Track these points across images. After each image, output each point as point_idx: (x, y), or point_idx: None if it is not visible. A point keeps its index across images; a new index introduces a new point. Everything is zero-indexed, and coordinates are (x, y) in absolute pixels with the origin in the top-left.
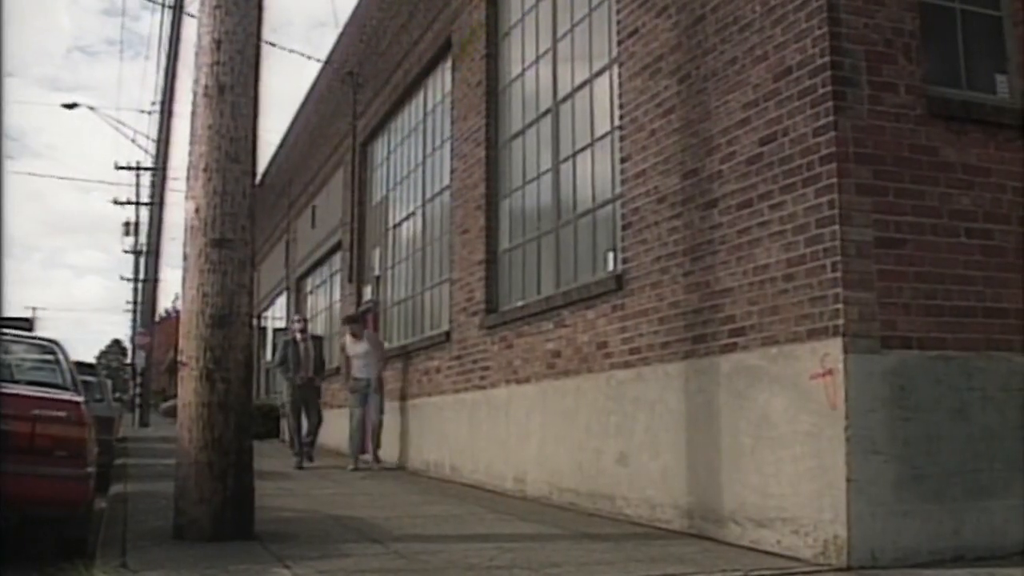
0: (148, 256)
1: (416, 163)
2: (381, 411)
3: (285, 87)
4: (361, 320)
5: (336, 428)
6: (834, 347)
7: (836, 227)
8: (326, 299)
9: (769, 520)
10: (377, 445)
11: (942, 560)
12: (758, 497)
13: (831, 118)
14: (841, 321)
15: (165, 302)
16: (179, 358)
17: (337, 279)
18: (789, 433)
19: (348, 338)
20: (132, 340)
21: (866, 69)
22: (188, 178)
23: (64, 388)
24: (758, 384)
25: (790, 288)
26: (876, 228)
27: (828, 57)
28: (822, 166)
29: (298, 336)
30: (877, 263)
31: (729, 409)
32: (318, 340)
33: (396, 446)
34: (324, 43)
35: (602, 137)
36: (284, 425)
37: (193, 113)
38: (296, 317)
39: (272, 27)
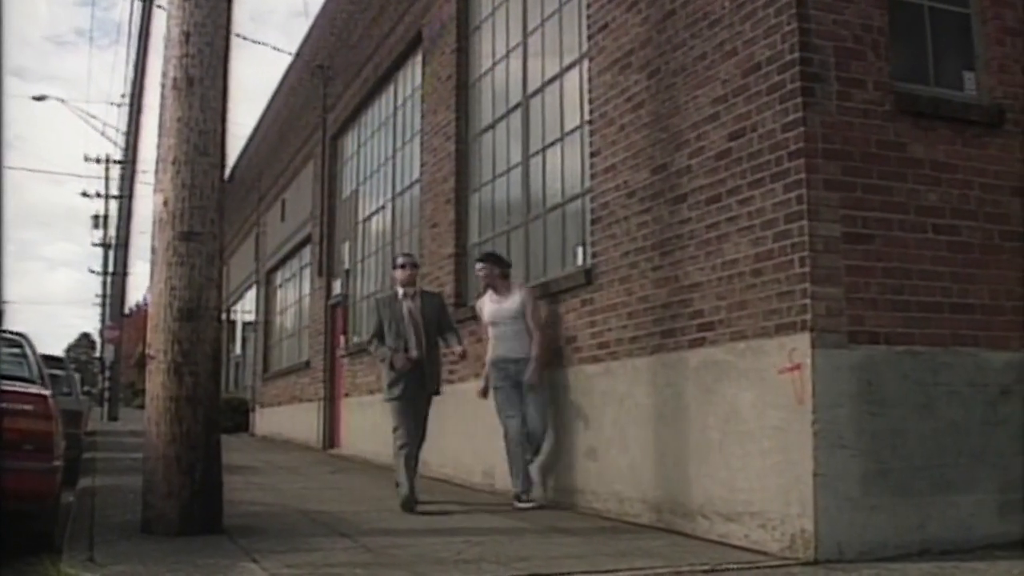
0: (117, 249)
1: (386, 157)
2: (542, 416)
3: (259, 78)
4: (504, 264)
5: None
6: (802, 342)
7: (804, 222)
8: (296, 293)
9: (737, 514)
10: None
11: (908, 554)
12: (726, 491)
13: (800, 114)
14: (809, 316)
15: (136, 295)
16: (147, 352)
17: (307, 273)
18: (757, 428)
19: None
20: (101, 334)
21: (835, 65)
22: (156, 171)
23: (31, 381)
24: (726, 379)
25: (758, 283)
26: (844, 223)
27: (797, 53)
28: (790, 161)
29: (400, 292)
30: (845, 258)
31: (697, 404)
32: (435, 298)
33: (371, 441)
34: (302, 34)
35: (572, 132)
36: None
37: (162, 106)
38: (401, 260)
39: (251, 16)
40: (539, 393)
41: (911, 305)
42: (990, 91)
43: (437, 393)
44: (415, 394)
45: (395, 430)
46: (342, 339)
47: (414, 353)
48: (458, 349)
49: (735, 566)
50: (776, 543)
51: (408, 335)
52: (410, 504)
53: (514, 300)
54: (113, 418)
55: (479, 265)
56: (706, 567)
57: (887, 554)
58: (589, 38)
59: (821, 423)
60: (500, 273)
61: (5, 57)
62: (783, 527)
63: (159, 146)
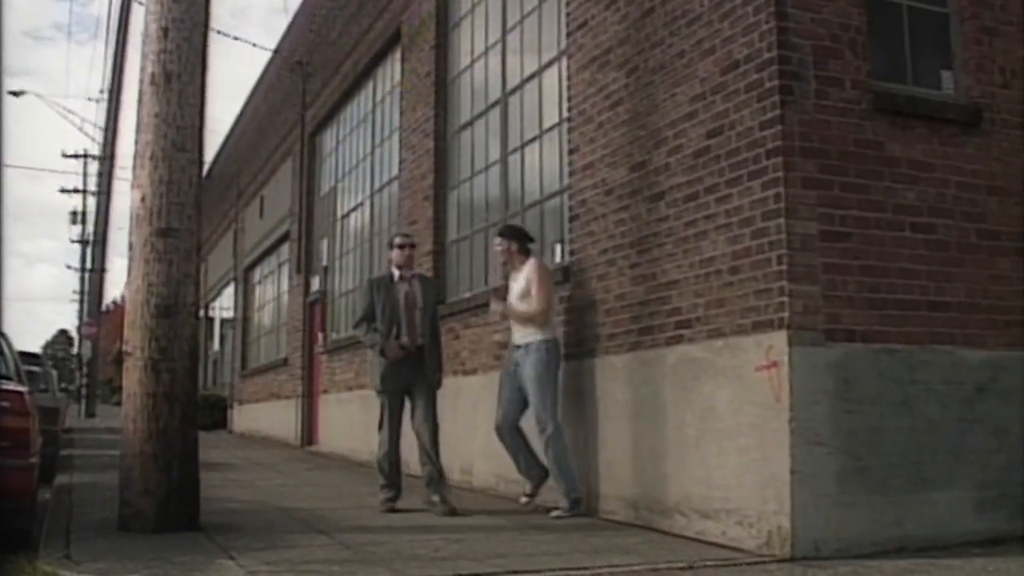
0: (95, 245)
1: (365, 153)
2: (548, 415)
3: (239, 74)
4: (523, 237)
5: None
6: (779, 340)
7: (781, 220)
8: (274, 290)
9: (714, 511)
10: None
11: (885, 551)
12: (703, 488)
13: (778, 112)
14: (786, 314)
15: (114, 292)
16: (124, 348)
17: (285, 269)
18: (734, 425)
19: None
20: (79, 330)
21: (813, 64)
22: (134, 167)
23: (7, 378)
24: (703, 376)
25: (736, 281)
26: (821, 221)
27: (775, 51)
28: (768, 159)
29: (396, 274)
30: (822, 256)
31: (675, 401)
32: (434, 286)
33: (349, 438)
34: (282, 30)
35: (550, 129)
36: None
37: (140, 101)
38: (399, 239)
39: (231, 12)
40: (541, 386)
41: (888, 303)
42: (967, 90)
43: (436, 382)
44: (409, 386)
45: (380, 429)
46: (320, 336)
47: (405, 339)
48: (437, 359)
49: (712, 563)
50: (753, 540)
51: (402, 321)
52: (390, 504)
53: (520, 280)
54: (91, 415)
55: (496, 240)
56: (683, 564)
57: (864, 551)
58: (568, 35)
59: (798, 420)
60: (519, 248)
61: (5, 60)
62: (760, 524)
63: (137, 142)
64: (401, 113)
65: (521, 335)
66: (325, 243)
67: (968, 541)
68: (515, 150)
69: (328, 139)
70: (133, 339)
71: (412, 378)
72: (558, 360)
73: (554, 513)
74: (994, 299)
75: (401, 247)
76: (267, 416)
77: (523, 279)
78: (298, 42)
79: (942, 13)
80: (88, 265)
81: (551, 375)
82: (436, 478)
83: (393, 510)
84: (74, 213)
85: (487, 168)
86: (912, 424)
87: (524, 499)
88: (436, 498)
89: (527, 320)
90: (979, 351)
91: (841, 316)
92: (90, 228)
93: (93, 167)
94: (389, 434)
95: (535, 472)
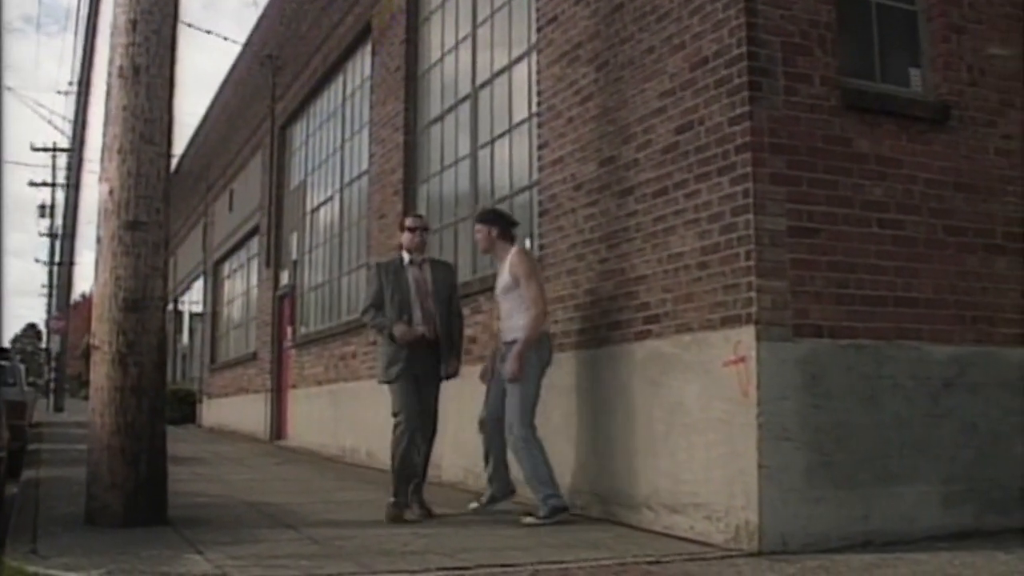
0: (64, 239)
1: (335, 147)
2: (518, 417)
3: (209, 67)
4: (505, 222)
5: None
6: (747, 335)
7: (750, 216)
8: (243, 284)
9: (682, 506)
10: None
11: (852, 546)
12: (671, 483)
13: (746, 108)
14: (754, 309)
15: (83, 285)
16: (92, 342)
17: (255, 263)
18: (702, 420)
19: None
20: (48, 324)
21: (782, 60)
22: (102, 160)
23: None
24: (672, 371)
25: (704, 276)
26: (789, 217)
27: (744, 47)
28: (737, 155)
29: (406, 259)
30: (790, 252)
31: (643, 396)
32: (447, 269)
33: (318, 432)
34: (253, 23)
35: (520, 124)
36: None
37: (108, 94)
38: (410, 222)
39: (203, 4)
40: (520, 385)
41: (856, 299)
42: (935, 88)
43: (449, 377)
44: (419, 376)
45: (395, 415)
46: (289, 330)
47: (421, 328)
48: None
49: (680, 557)
50: (721, 535)
51: (413, 308)
52: (396, 513)
53: (504, 272)
54: (59, 409)
55: (476, 226)
56: (651, 558)
57: (831, 546)
58: (538, 30)
59: (766, 415)
60: (500, 233)
61: (5, 60)
62: (728, 519)
63: (105, 135)
64: (371, 107)
65: (509, 330)
66: (295, 237)
67: (934, 535)
68: (485, 145)
69: (298, 133)
70: (101, 333)
71: (421, 368)
72: (545, 357)
73: (527, 520)
74: (961, 295)
75: (412, 230)
76: (236, 410)
77: (506, 271)
78: (268, 35)
79: (910, 11)
80: (57, 259)
81: (533, 372)
82: (418, 480)
83: (399, 520)
84: (43, 206)
85: (457, 163)
86: (879, 419)
87: (473, 505)
88: (414, 499)
89: (517, 313)
90: (946, 346)
91: (809, 311)
92: (59, 222)
93: (62, 160)
94: (409, 414)
95: (499, 484)
